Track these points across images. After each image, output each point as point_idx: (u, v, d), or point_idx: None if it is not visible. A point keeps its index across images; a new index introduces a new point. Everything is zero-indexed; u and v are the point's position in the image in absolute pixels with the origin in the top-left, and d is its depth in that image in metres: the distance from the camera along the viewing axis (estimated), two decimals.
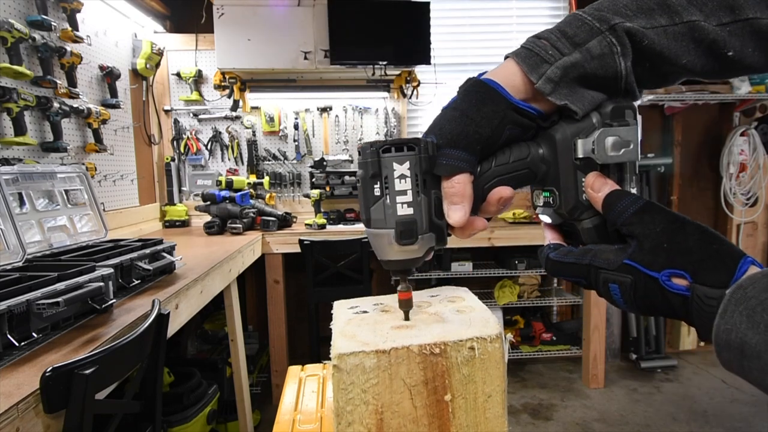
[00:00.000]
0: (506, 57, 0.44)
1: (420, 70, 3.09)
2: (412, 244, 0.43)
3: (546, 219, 0.49)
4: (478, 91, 0.42)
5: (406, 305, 0.50)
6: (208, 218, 2.72)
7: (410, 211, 0.43)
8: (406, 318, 0.52)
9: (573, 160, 0.43)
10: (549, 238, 0.49)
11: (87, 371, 0.82)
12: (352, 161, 3.22)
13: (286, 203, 3.24)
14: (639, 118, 0.43)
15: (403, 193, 0.43)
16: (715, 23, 0.40)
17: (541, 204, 0.47)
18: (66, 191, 1.65)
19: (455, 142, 0.42)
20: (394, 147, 0.42)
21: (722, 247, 0.36)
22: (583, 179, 0.43)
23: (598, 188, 0.42)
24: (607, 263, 0.40)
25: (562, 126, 0.43)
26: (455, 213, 0.42)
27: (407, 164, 0.42)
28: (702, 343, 3.41)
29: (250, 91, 3.08)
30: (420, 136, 0.44)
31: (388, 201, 0.43)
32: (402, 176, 0.42)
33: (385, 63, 2.87)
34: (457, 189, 0.42)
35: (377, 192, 0.43)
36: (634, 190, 0.43)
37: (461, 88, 0.44)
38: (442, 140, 0.42)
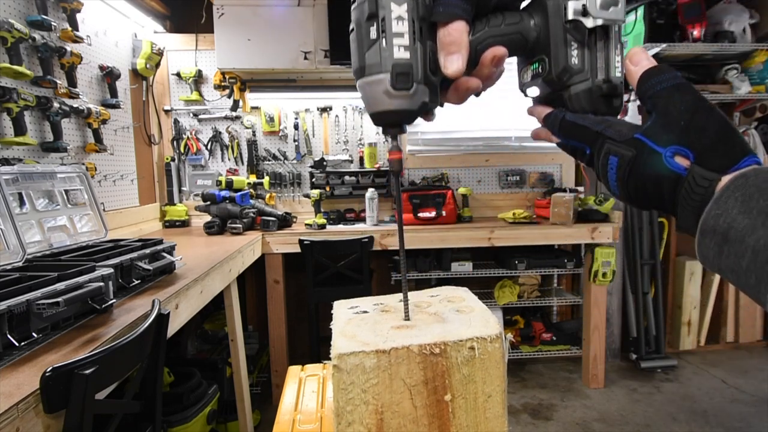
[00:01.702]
0: None
1: None
2: (407, 90, 0.42)
3: (534, 93, 0.49)
4: None
5: (397, 165, 0.49)
6: (208, 218, 2.72)
7: (407, 54, 0.42)
8: (407, 318, 0.52)
9: (563, 24, 0.44)
10: (538, 113, 0.49)
11: (87, 371, 0.82)
12: (352, 161, 3.22)
13: (286, 203, 3.24)
14: None
15: (400, 35, 0.42)
16: None
17: (529, 78, 0.48)
18: (66, 191, 1.65)
19: None
20: None
21: (737, 139, 0.35)
22: (573, 42, 0.44)
23: (636, 61, 0.41)
24: (618, 134, 0.40)
25: None
26: (452, 63, 0.42)
27: (405, 6, 0.41)
28: (702, 343, 3.41)
29: (250, 91, 3.08)
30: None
31: (384, 44, 0.42)
32: (399, 18, 0.41)
33: None
34: (454, 37, 0.42)
35: (373, 35, 0.42)
36: (618, 58, 0.44)
37: None
38: None
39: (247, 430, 2.24)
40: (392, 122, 0.46)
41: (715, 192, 0.34)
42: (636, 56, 0.41)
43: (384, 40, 0.42)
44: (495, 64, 0.43)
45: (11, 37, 1.70)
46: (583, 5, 0.42)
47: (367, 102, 0.45)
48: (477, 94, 0.47)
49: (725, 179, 0.34)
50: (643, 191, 0.39)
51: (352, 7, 0.44)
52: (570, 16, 0.43)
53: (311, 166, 3.15)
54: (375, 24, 0.42)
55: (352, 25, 0.44)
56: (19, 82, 1.81)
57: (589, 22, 0.42)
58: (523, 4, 0.46)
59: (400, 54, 0.42)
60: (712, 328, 3.43)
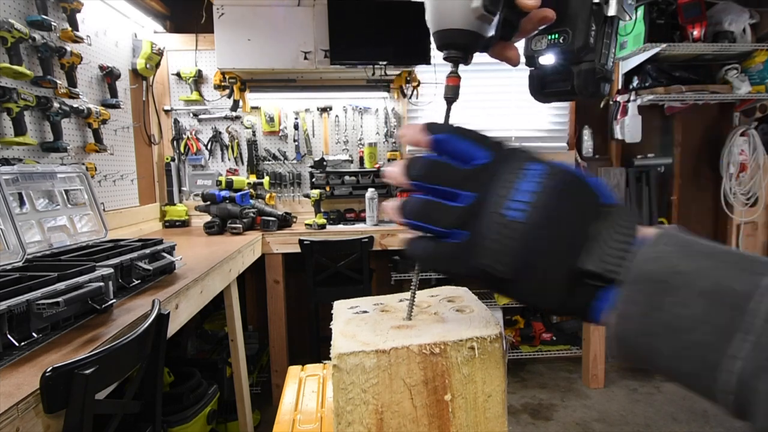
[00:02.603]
0: None
1: (420, 70, 3.09)
2: (493, 14, 0.40)
3: (548, 60, 0.50)
4: None
5: (453, 91, 0.47)
6: (208, 218, 2.72)
7: None
8: (409, 317, 0.52)
9: (591, 4, 0.46)
10: None
11: (87, 371, 0.82)
12: (352, 161, 3.22)
13: (286, 203, 3.24)
14: None
15: None
16: None
17: (545, 47, 0.49)
18: (66, 191, 1.65)
19: None
20: None
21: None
22: (593, 24, 0.46)
23: None
24: None
25: None
26: None
27: None
28: None
29: (250, 91, 3.08)
30: None
31: None
32: None
33: (385, 63, 2.87)
34: None
35: None
36: (614, 50, 0.48)
37: None
38: None
39: (247, 430, 2.24)
40: (464, 45, 0.43)
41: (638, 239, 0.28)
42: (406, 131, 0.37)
43: None
44: (539, 23, 0.44)
45: (11, 37, 1.70)
46: None
47: (438, 15, 0.41)
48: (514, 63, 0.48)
49: (654, 234, 0.28)
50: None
51: None
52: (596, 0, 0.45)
53: (311, 166, 3.15)
54: None
55: None
56: (19, 82, 1.81)
57: (608, 11, 0.45)
58: None
59: None
60: None
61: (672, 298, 0.24)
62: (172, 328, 1.32)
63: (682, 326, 0.24)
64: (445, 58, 0.44)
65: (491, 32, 0.42)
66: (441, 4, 0.41)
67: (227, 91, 3.03)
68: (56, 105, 1.92)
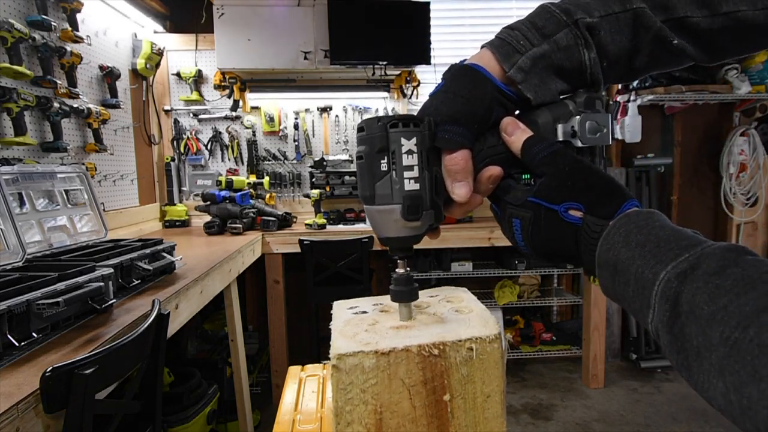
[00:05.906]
0: (482, 47, 0.46)
1: (420, 70, 3.09)
2: (417, 220, 0.44)
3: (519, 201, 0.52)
4: (466, 75, 0.44)
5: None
6: (208, 218, 2.72)
7: (417, 186, 0.43)
8: (407, 317, 0.52)
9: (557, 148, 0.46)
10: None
11: (87, 371, 0.82)
12: (352, 161, 3.22)
13: (286, 203, 3.24)
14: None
15: (410, 168, 0.43)
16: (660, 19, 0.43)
17: (520, 192, 0.50)
18: (66, 191, 1.65)
19: (455, 119, 0.43)
20: (401, 122, 0.43)
21: (617, 189, 0.40)
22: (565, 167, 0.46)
23: (511, 132, 0.44)
24: (514, 199, 0.44)
25: (543, 111, 0.46)
26: (460, 189, 0.44)
27: (414, 140, 0.43)
28: None
29: (250, 91, 3.08)
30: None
31: (395, 176, 0.43)
32: (409, 151, 0.43)
33: (385, 63, 2.87)
34: (461, 165, 0.43)
35: (384, 167, 0.44)
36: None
37: (447, 73, 0.45)
38: (440, 119, 0.43)
39: (247, 430, 2.24)
40: (401, 247, 0.48)
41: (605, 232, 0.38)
42: (509, 127, 0.44)
43: (395, 172, 0.43)
44: (492, 182, 0.45)
45: (11, 37, 1.70)
46: (572, 128, 0.45)
47: (376, 228, 0.47)
48: None
49: (613, 222, 0.38)
50: (547, 243, 0.42)
51: (359, 135, 0.45)
52: (560, 138, 0.45)
53: (311, 166, 3.15)
54: (385, 157, 0.43)
55: (360, 153, 0.45)
56: (19, 82, 1.81)
57: (578, 143, 0.45)
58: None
59: (411, 186, 0.43)
60: None
61: (619, 278, 0.36)
62: (172, 328, 1.32)
63: (626, 297, 0.36)
64: (391, 254, 0.49)
65: (429, 223, 0.46)
66: (375, 217, 0.46)
67: (227, 91, 3.03)
68: (56, 105, 1.92)
